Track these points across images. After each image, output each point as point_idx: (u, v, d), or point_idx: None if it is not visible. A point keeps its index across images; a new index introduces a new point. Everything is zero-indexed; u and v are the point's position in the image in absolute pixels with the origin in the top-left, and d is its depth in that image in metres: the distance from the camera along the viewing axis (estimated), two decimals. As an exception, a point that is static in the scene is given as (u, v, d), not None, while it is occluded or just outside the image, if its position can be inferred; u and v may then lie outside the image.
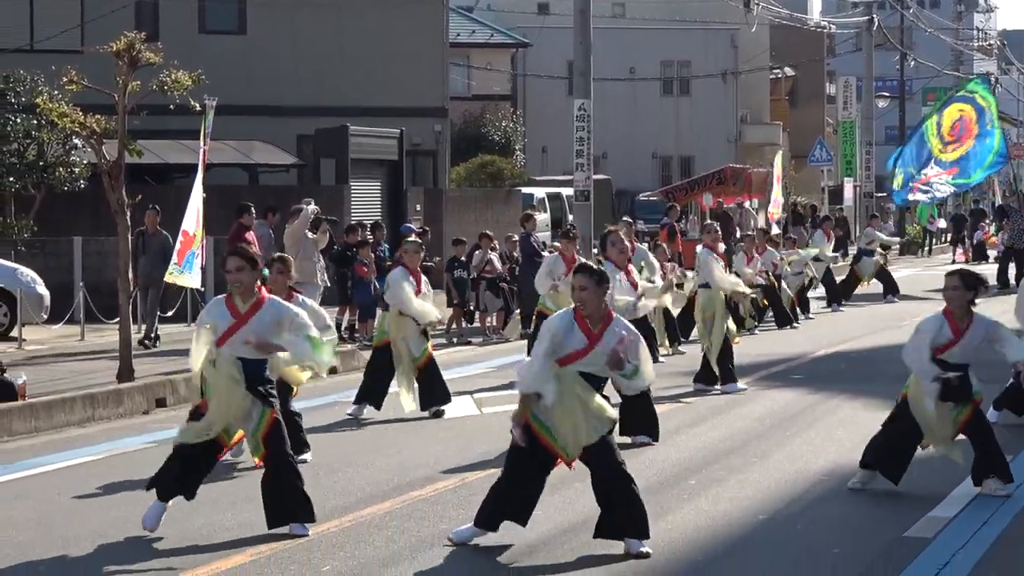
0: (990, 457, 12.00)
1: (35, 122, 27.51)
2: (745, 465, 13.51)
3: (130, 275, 19.14)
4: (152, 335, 22.51)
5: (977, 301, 11.86)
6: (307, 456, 13.29)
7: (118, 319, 19.15)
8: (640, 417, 14.46)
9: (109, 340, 21.48)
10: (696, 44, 61.84)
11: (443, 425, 15.67)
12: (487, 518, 10.29)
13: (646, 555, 9.94)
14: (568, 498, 11.76)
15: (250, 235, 22.73)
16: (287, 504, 10.64)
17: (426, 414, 16.27)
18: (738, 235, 28.99)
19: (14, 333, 23.03)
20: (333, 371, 18.13)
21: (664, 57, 62.56)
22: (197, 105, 19.17)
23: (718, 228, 19.97)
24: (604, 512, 10.12)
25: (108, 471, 12.70)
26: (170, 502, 10.68)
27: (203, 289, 22.67)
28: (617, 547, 10.03)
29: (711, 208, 39.41)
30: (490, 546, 10.26)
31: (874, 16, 52.87)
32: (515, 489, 10.23)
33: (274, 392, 10.88)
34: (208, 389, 10.84)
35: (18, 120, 28.24)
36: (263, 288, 10.95)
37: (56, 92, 21.08)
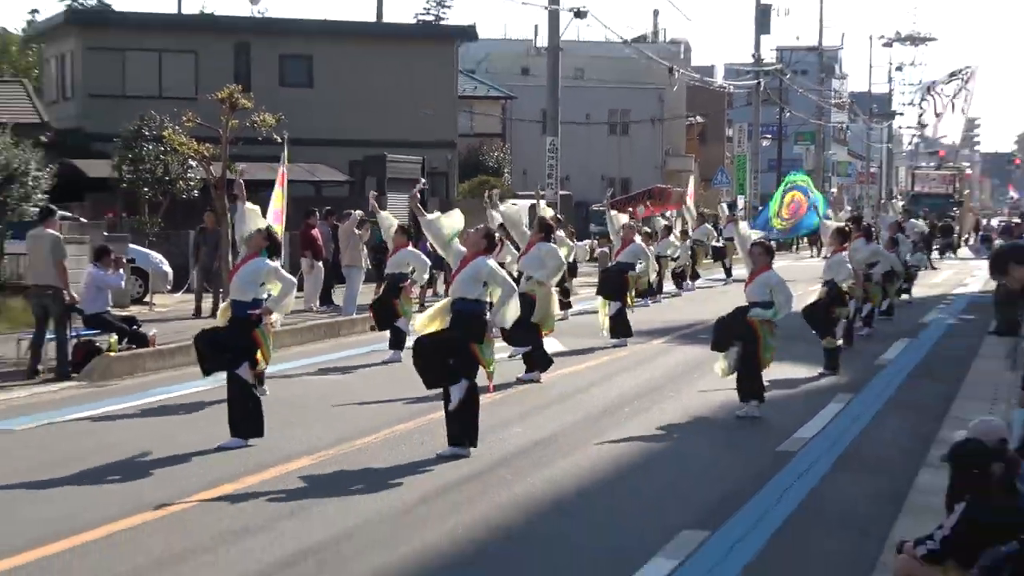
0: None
1: (162, 149, 27.38)
2: (664, 399, 13.52)
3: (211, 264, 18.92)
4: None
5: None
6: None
7: (220, 290, 19.07)
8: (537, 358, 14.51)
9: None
10: (634, 98, 61.57)
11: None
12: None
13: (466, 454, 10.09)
14: (537, 423, 11.78)
15: (314, 231, 22.68)
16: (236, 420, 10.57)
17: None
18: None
19: (147, 299, 22.97)
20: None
21: (611, 107, 62.26)
22: (278, 138, 19.05)
23: (633, 226, 20.21)
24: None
25: (215, 397, 12.68)
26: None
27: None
28: (574, 456, 10.03)
29: (632, 218, 39.14)
30: (475, 455, 10.26)
31: (760, 80, 52.82)
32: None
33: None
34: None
35: (150, 147, 28.15)
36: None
37: (177, 127, 20.99)
